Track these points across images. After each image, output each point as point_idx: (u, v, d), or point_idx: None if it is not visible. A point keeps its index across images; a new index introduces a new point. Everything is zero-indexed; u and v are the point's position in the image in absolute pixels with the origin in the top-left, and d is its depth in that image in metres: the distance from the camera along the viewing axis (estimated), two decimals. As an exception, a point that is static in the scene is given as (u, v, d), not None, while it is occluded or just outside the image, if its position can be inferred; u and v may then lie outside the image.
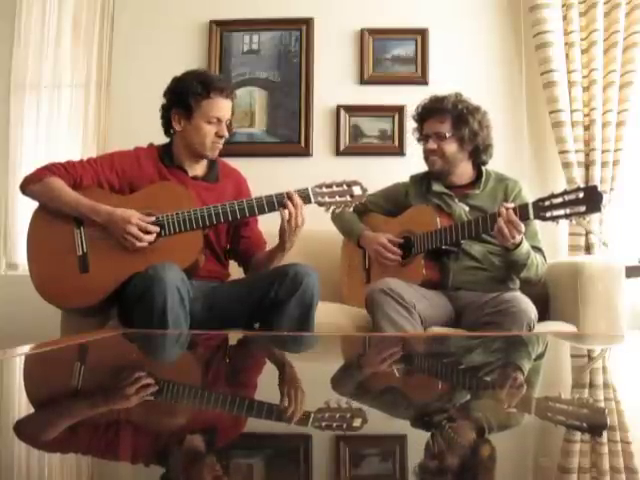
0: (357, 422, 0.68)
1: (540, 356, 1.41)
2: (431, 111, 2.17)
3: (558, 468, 0.55)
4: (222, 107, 1.97)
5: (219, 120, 1.97)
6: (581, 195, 1.79)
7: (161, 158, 2.03)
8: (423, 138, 2.21)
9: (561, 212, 1.82)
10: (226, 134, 2.00)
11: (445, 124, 2.13)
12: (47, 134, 3.05)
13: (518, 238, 1.90)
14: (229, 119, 2.02)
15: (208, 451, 0.60)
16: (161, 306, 1.69)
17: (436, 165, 2.17)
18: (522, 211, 1.89)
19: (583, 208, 1.79)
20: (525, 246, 1.96)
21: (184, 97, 1.95)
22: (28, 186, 1.94)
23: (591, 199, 1.78)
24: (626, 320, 2.13)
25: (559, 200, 1.82)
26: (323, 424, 0.67)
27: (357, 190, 1.97)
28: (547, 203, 1.85)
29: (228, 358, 1.37)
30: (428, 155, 2.18)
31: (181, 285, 1.74)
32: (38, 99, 3.07)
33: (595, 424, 0.69)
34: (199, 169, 2.07)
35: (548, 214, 1.84)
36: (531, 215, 1.87)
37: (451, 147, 2.14)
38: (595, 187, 1.82)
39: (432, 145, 2.14)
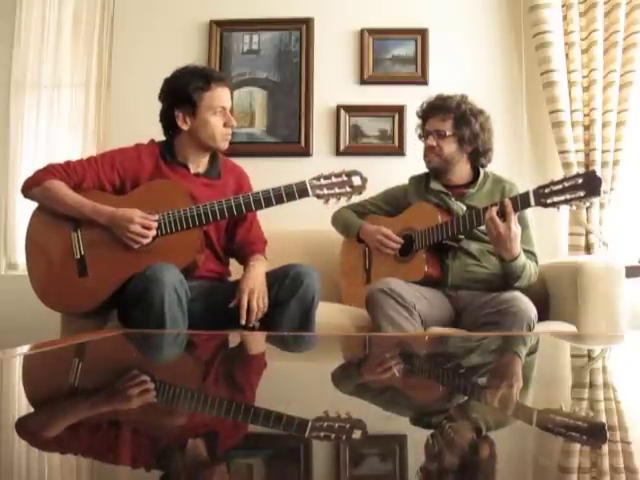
0: (357, 434, 0.66)
1: (540, 356, 1.40)
2: (434, 109, 2.18)
3: (558, 468, 0.55)
4: (225, 96, 1.97)
5: (224, 109, 1.97)
6: (580, 181, 1.82)
7: (162, 155, 2.01)
8: (424, 135, 2.22)
9: (561, 198, 1.84)
10: (234, 123, 2.00)
11: (447, 123, 2.14)
12: (47, 134, 3.05)
13: (516, 249, 1.91)
14: (231, 108, 2.02)
15: (206, 454, 0.60)
16: (159, 307, 1.69)
17: (432, 163, 2.19)
18: (523, 199, 1.90)
19: (582, 193, 1.81)
20: (522, 259, 1.96)
21: (185, 93, 1.93)
22: (29, 190, 1.94)
23: (590, 184, 1.80)
24: (626, 320, 2.13)
25: (559, 187, 1.85)
26: (322, 434, 0.66)
27: (357, 180, 1.94)
28: (547, 190, 1.87)
29: (227, 359, 1.37)
30: (426, 152, 2.20)
31: (179, 286, 1.74)
32: (38, 99, 3.07)
33: (594, 435, 0.69)
34: (201, 166, 2.05)
35: (549, 200, 1.86)
36: (532, 202, 1.89)
37: (450, 146, 2.15)
38: (594, 172, 1.84)
39: (431, 142, 2.16)
